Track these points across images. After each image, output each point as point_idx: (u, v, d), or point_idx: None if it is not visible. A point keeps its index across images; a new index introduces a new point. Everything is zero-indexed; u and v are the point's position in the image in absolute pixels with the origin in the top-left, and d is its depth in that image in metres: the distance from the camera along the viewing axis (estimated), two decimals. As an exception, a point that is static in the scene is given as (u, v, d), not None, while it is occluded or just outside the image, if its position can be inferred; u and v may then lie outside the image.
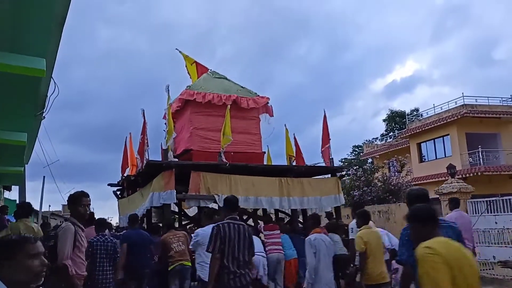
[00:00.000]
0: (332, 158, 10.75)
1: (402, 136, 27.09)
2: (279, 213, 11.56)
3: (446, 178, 11.94)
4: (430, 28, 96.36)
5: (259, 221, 9.97)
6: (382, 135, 42.86)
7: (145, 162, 9.19)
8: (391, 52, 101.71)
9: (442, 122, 22.33)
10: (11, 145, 6.72)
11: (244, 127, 10.17)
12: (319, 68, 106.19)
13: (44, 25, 3.76)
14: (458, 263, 2.40)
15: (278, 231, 8.02)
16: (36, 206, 31.87)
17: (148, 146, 9.66)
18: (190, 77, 11.60)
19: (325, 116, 10.91)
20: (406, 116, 30.68)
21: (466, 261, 2.47)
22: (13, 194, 22.93)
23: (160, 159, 9.51)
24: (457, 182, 11.06)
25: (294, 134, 11.16)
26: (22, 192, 16.41)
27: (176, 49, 11.99)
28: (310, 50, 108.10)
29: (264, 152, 10.80)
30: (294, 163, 10.61)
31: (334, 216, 10.12)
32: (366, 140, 43.12)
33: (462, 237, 3.58)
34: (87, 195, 4.28)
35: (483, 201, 10.49)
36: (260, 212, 11.57)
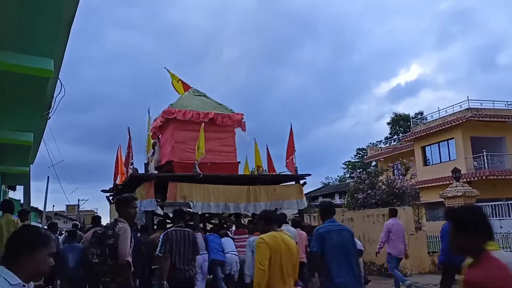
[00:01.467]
0: (296, 167, 11.87)
1: (406, 139, 27.03)
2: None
3: (451, 182, 11.90)
4: (435, 33, 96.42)
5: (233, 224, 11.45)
6: (386, 138, 42.77)
7: (130, 172, 10.57)
8: (395, 56, 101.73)
9: (446, 126, 22.25)
10: (17, 145, 6.76)
11: (220, 140, 11.38)
12: (324, 71, 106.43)
13: (51, 26, 3.78)
14: (276, 248, 3.78)
15: (246, 235, 9.20)
16: (40, 206, 32.06)
17: (132, 159, 10.90)
18: (178, 93, 12.73)
19: (291, 130, 12.15)
20: (411, 120, 30.62)
21: (284, 247, 3.85)
22: (17, 194, 23.06)
23: (147, 164, 10.72)
24: (462, 186, 11.02)
25: (267, 145, 12.45)
26: (26, 192, 16.48)
27: (164, 67, 13.31)
28: (316, 53, 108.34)
29: (239, 162, 11.91)
30: (267, 172, 11.90)
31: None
32: (370, 143, 43.09)
33: (353, 236, 4.78)
34: (136, 199, 4.76)
35: (488, 205, 10.44)
36: (251, 216, 12.43)
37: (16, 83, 4.44)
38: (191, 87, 12.39)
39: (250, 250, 6.41)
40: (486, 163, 21.31)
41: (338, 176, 56.72)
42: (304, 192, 11.97)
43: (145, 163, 10.53)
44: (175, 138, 11.04)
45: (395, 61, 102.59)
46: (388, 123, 46.38)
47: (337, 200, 38.63)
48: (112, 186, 13.02)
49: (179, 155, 10.84)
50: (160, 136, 12.05)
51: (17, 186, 16.70)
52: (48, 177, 28.71)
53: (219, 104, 11.85)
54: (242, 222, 11.42)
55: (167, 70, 13.19)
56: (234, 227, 10.86)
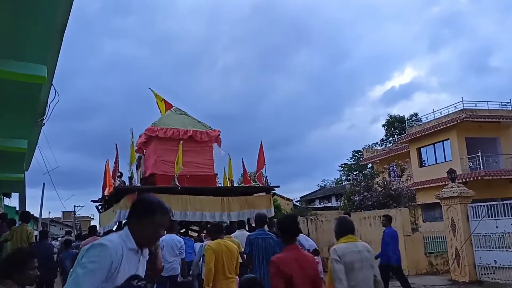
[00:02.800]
0: (267, 179, 13.39)
1: (402, 141, 27.12)
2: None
3: (446, 182, 11.94)
4: (427, 38, 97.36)
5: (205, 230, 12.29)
6: (381, 140, 42.89)
7: (117, 184, 12.00)
8: (389, 60, 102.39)
9: (442, 127, 22.36)
10: (11, 152, 6.72)
11: (198, 155, 12.52)
12: (318, 76, 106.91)
13: (44, 32, 3.78)
14: (219, 251, 5.04)
15: None
16: (36, 213, 31.84)
17: (118, 173, 12.39)
18: (160, 111, 13.96)
19: (261, 146, 13.25)
20: (406, 121, 30.72)
21: (226, 250, 5.10)
22: (12, 201, 22.90)
23: (130, 177, 12.05)
24: (457, 187, 11.06)
25: (242, 159, 13.89)
26: (22, 199, 16.37)
27: (149, 88, 14.54)
28: (310, 59, 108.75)
29: (217, 174, 13.19)
30: (242, 183, 13.49)
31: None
32: (366, 145, 43.21)
33: (276, 243, 5.79)
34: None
35: (484, 206, 10.47)
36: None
37: (9, 89, 4.43)
38: (173, 106, 13.52)
39: (201, 253, 7.17)
40: (481, 164, 21.41)
41: (334, 178, 56.84)
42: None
43: (129, 177, 11.92)
44: (157, 153, 12.25)
45: (389, 65, 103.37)
46: (383, 125, 46.52)
47: (333, 203, 38.65)
48: (101, 196, 14.05)
49: (161, 168, 12.01)
50: (145, 151, 13.23)
51: (12, 193, 16.60)
52: (44, 183, 28.61)
53: (199, 121, 13.07)
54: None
55: (151, 91, 14.43)
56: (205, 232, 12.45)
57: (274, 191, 13.46)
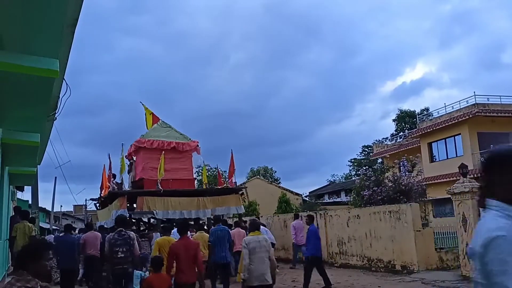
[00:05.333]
0: (236, 182, 16.23)
1: (412, 135, 26.87)
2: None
3: (458, 178, 11.82)
4: (439, 34, 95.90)
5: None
6: (392, 135, 42.56)
7: (113, 187, 14.59)
8: (400, 56, 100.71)
9: (453, 122, 22.09)
10: (24, 145, 6.82)
11: (180, 162, 14.84)
12: (329, 72, 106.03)
13: (56, 27, 3.81)
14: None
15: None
16: (48, 207, 32.26)
17: (112, 178, 14.92)
18: (146, 124, 15.85)
19: (232, 156, 15.89)
20: (417, 116, 30.43)
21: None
22: (25, 195, 23.25)
23: (122, 184, 14.89)
24: (469, 182, 10.94)
25: (217, 165, 17.93)
26: (34, 193, 16.61)
27: (140, 102, 17.10)
28: (320, 55, 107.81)
29: (195, 178, 15.80)
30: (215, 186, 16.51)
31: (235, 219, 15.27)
32: (376, 140, 42.94)
33: (229, 234, 9.64)
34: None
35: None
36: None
37: (23, 84, 4.48)
38: (159, 120, 15.57)
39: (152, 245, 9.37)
40: (493, 159, 21.11)
41: (344, 173, 56.65)
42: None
43: (119, 183, 14.81)
44: (144, 161, 14.52)
45: (401, 61, 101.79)
46: (394, 120, 46.14)
47: (343, 198, 38.56)
48: (98, 196, 16.69)
49: (149, 173, 14.26)
50: (135, 158, 15.54)
51: (25, 187, 16.86)
52: (56, 177, 28.96)
53: (180, 134, 15.33)
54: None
55: (142, 104, 16.45)
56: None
57: (242, 192, 15.89)
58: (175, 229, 9.96)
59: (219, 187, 16.00)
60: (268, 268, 6.19)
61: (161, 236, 8.74)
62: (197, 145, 15.37)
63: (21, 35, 3.90)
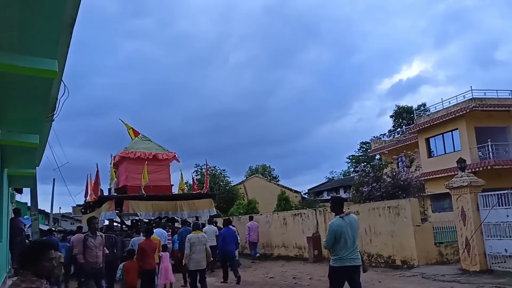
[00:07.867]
0: (208, 189, 19.18)
1: (410, 131, 26.91)
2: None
3: (456, 172, 11.84)
4: (434, 33, 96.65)
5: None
6: (389, 131, 42.59)
7: (99, 194, 16.85)
8: (397, 54, 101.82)
9: (450, 117, 22.14)
10: (23, 147, 6.81)
11: (159, 171, 17.05)
12: (327, 71, 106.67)
13: (54, 27, 3.80)
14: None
15: (170, 232, 14.90)
16: (47, 209, 32.19)
17: (99, 185, 17.02)
18: (130, 137, 17.97)
19: (207, 169, 21.82)
20: (414, 112, 30.47)
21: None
22: (24, 197, 23.19)
23: (110, 189, 16.80)
24: (467, 176, 10.98)
25: (192, 173, 19.91)
26: (33, 195, 16.57)
27: (119, 119, 19.99)
28: (319, 54, 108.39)
29: (172, 185, 17.85)
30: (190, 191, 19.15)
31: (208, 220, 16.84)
32: (374, 137, 42.95)
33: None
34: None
35: (494, 195, 10.39)
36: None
37: (21, 84, 4.47)
38: (139, 134, 17.93)
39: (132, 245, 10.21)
40: (491, 153, 21.20)
41: (342, 170, 56.76)
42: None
43: (108, 189, 17.01)
44: (128, 170, 16.69)
45: (397, 59, 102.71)
46: (391, 116, 46.18)
47: (342, 194, 38.60)
48: (83, 202, 19.12)
49: (131, 181, 16.38)
50: (119, 167, 17.44)
51: (23, 189, 16.84)
52: (54, 179, 28.93)
53: (159, 146, 17.69)
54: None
55: (122, 121, 18.51)
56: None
57: (213, 198, 18.42)
58: (156, 229, 12.46)
59: (194, 192, 18.23)
60: (204, 257, 8.77)
61: (143, 236, 9.92)
62: (175, 155, 17.82)
63: (18, 36, 3.89)
